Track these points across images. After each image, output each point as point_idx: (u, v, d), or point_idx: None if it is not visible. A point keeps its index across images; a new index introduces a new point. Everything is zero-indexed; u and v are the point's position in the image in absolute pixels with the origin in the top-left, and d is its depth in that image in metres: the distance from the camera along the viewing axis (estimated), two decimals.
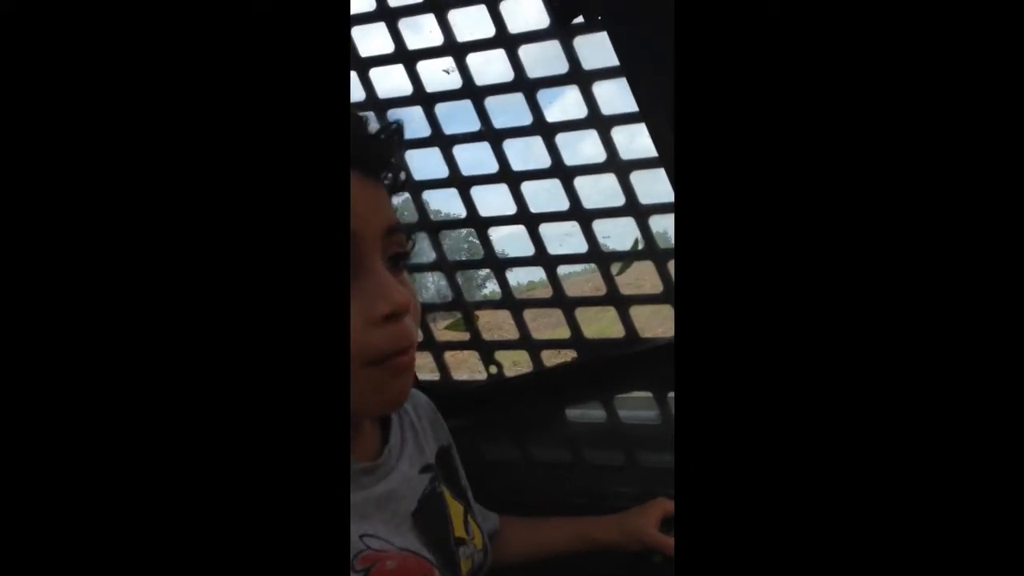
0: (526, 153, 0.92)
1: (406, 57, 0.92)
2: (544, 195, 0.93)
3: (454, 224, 1.01)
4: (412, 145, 0.97)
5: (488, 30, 0.86)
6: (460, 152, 0.95)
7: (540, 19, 0.83)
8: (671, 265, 0.88)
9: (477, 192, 0.96)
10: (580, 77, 0.85)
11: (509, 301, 0.98)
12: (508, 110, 0.91)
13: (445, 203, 1.01)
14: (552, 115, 0.89)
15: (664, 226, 0.91)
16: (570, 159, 0.90)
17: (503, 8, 0.85)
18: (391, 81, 0.94)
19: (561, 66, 0.85)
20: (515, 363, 1.03)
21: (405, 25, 0.91)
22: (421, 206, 0.98)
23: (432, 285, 1.01)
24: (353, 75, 0.95)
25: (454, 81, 0.91)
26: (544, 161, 0.91)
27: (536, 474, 0.95)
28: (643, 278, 0.95)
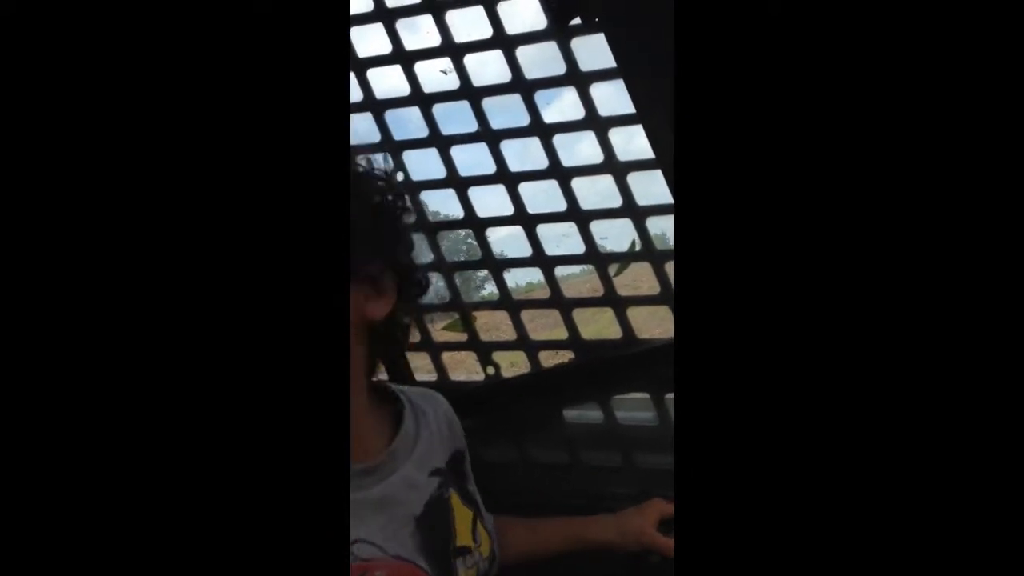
0: (524, 154, 0.92)
1: (404, 58, 0.92)
2: (542, 196, 0.93)
3: (452, 225, 1.01)
4: (409, 146, 0.97)
5: (486, 31, 0.86)
6: (458, 153, 0.95)
7: (538, 20, 0.83)
8: (669, 266, 0.88)
9: (475, 193, 0.96)
10: (577, 78, 0.85)
11: (507, 302, 0.98)
12: (506, 111, 0.91)
13: (443, 204, 1.01)
14: (549, 116, 0.89)
15: (661, 227, 0.91)
16: (567, 160, 0.90)
17: (501, 9, 0.85)
18: (389, 82, 0.94)
19: (559, 67, 0.85)
20: (512, 364, 1.03)
21: (403, 26, 0.91)
22: (419, 207, 0.98)
23: (430, 286, 1.01)
24: (351, 76, 0.95)
25: (452, 82, 0.91)
26: (542, 162, 0.91)
27: (534, 475, 0.95)
28: (640, 279, 0.95)
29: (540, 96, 0.88)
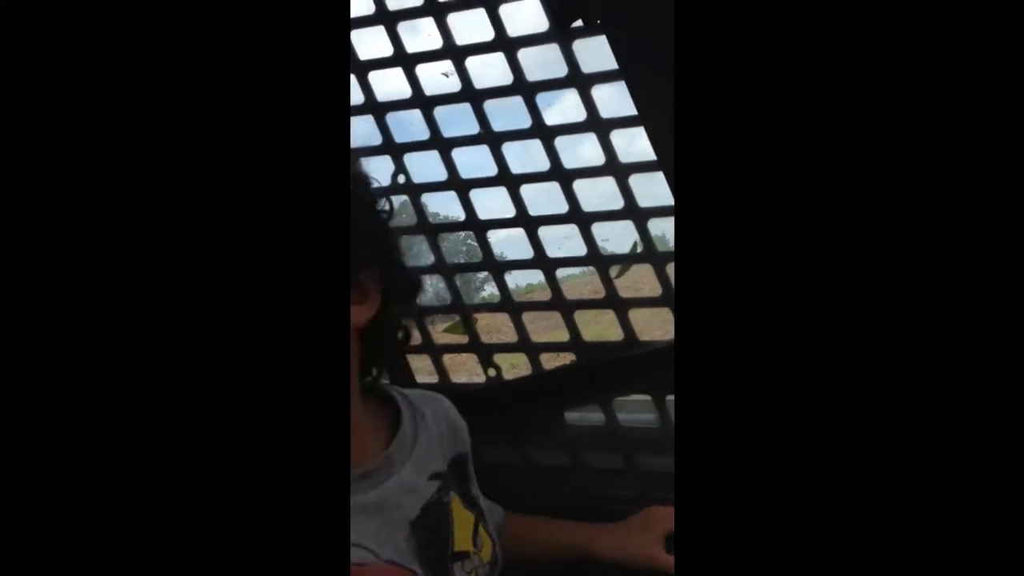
0: (525, 156, 0.92)
1: (405, 60, 0.92)
2: (543, 198, 0.93)
3: (453, 227, 1.01)
4: (411, 148, 0.97)
5: (487, 33, 0.86)
6: (459, 155, 0.95)
7: (539, 22, 0.83)
8: (670, 268, 0.88)
9: (476, 195, 0.96)
10: (579, 80, 0.85)
11: (508, 304, 0.98)
12: (507, 113, 0.91)
13: (444, 206, 1.01)
14: (551, 118, 0.89)
15: (663, 229, 0.91)
16: (569, 162, 0.90)
17: (502, 11, 0.85)
18: (390, 84, 0.94)
19: (560, 69, 0.85)
20: (513, 366, 1.03)
21: (404, 28, 0.91)
22: (420, 209, 0.98)
23: (431, 287, 1.01)
24: (352, 78, 0.95)
25: (453, 84, 0.91)
26: (543, 164, 0.90)
27: (535, 477, 0.95)
28: (642, 281, 0.94)
29: (541, 98, 0.88)
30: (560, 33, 0.82)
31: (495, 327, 1.06)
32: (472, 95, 0.90)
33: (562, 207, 0.92)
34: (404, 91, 0.94)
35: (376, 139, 0.96)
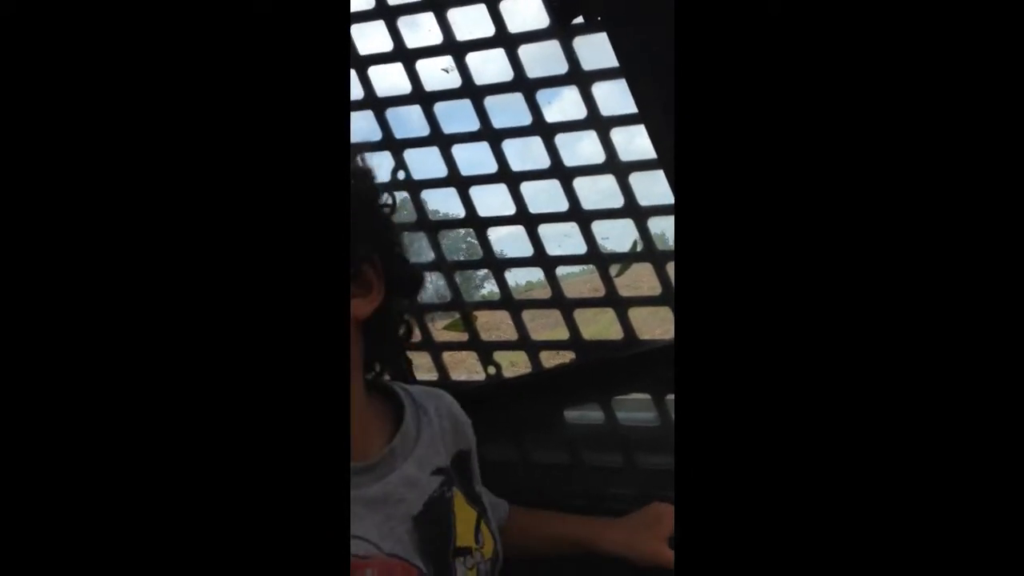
0: (525, 153, 0.92)
1: (405, 56, 0.92)
2: (543, 195, 0.93)
3: (452, 224, 1.01)
4: (410, 144, 0.97)
5: (488, 29, 0.86)
6: (459, 152, 0.95)
7: (540, 19, 0.83)
8: (670, 267, 0.88)
9: (476, 192, 0.96)
10: (580, 77, 0.84)
11: (508, 302, 0.98)
12: (507, 110, 0.90)
13: (443, 203, 1.01)
14: (551, 115, 0.89)
15: (663, 227, 0.91)
16: (569, 160, 0.90)
17: (503, 7, 0.84)
18: (390, 80, 0.94)
19: (561, 66, 0.85)
20: (512, 364, 1.03)
21: (404, 23, 0.91)
22: (419, 205, 0.98)
23: (430, 285, 1.01)
24: (352, 73, 0.94)
25: (453, 80, 0.90)
26: (543, 161, 0.90)
27: (534, 475, 0.95)
28: (641, 279, 0.94)
29: (542, 95, 0.88)
30: (561, 30, 0.82)
31: (494, 325, 1.06)
32: (472, 91, 0.90)
33: (562, 205, 0.92)
34: (404, 87, 0.93)
35: (376, 135, 0.96)
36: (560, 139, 0.89)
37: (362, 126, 0.95)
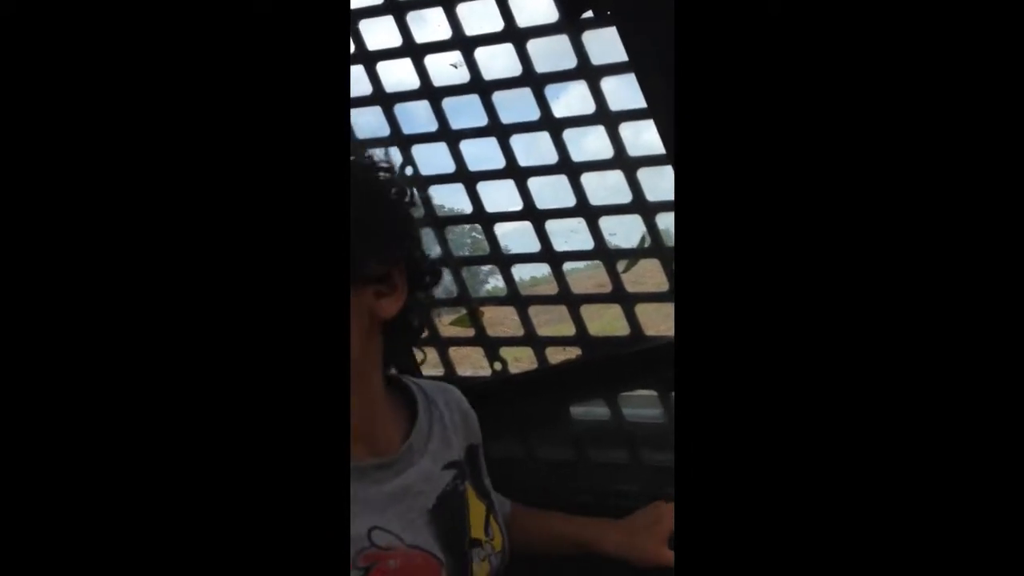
0: (532, 148, 0.92)
1: (413, 51, 0.92)
2: (550, 191, 0.93)
3: (459, 219, 1.01)
4: (418, 139, 0.97)
5: (496, 24, 0.86)
6: (466, 147, 0.95)
7: (548, 13, 0.83)
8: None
9: (483, 187, 0.96)
10: (588, 72, 0.84)
11: (514, 297, 0.98)
12: (515, 105, 0.90)
13: (451, 198, 1.01)
14: (559, 110, 0.89)
15: (670, 223, 0.91)
16: (577, 155, 0.90)
17: (511, 2, 0.84)
18: (398, 75, 0.94)
19: (569, 61, 0.85)
20: (517, 359, 1.03)
21: (413, 19, 0.91)
22: (426, 200, 0.98)
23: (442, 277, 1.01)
24: (360, 69, 0.94)
25: (461, 75, 0.90)
26: (551, 157, 0.90)
27: (540, 471, 0.95)
28: (647, 275, 0.94)
29: (550, 90, 0.88)
30: (569, 24, 0.82)
31: (500, 320, 1.06)
32: (480, 86, 0.90)
33: (569, 200, 0.92)
34: (412, 82, 0.93)
35: (383, 130, 0.96)
36: (568, 134, 0.89)
37: (369, 121, 0.95)
